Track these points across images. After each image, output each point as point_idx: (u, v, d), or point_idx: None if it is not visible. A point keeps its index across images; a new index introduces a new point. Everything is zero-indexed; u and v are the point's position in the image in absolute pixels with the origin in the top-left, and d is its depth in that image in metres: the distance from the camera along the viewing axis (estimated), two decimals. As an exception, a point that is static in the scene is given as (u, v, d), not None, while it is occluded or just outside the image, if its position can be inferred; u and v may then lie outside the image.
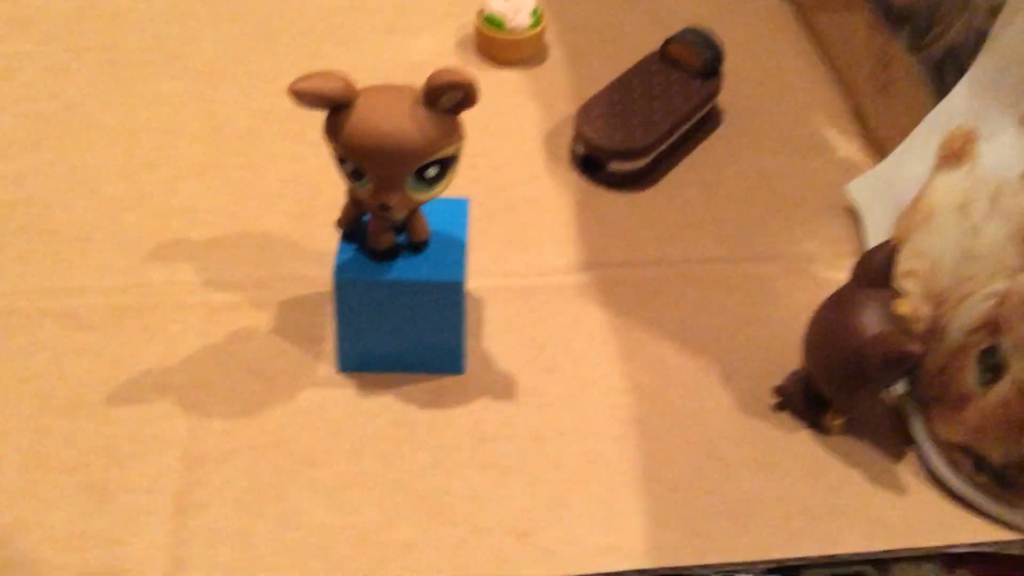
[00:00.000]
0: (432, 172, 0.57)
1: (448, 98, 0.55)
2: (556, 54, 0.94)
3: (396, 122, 0.54)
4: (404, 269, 0.62)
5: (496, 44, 0.92)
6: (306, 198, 0.78)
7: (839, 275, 0.74)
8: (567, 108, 0.87)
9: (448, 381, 0.66)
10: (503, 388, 0.66)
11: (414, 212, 0.62)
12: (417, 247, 0.63)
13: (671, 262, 0.76)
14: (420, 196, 0.58)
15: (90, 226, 0.75)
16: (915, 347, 0.57)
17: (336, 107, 0.55)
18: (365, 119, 0.55)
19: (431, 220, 0.64)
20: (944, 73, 0.78)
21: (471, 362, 0.68)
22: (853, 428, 0.65)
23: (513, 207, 0.80)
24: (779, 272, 0.76)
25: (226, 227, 0.76)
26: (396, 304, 0.63)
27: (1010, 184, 0.67)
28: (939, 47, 0.79)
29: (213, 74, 0.89)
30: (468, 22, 0.95)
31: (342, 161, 0.57)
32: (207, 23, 0.94)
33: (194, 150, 0.82)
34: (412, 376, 0.66)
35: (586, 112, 0.83)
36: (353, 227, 0.63)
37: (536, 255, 0.76)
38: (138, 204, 0.77)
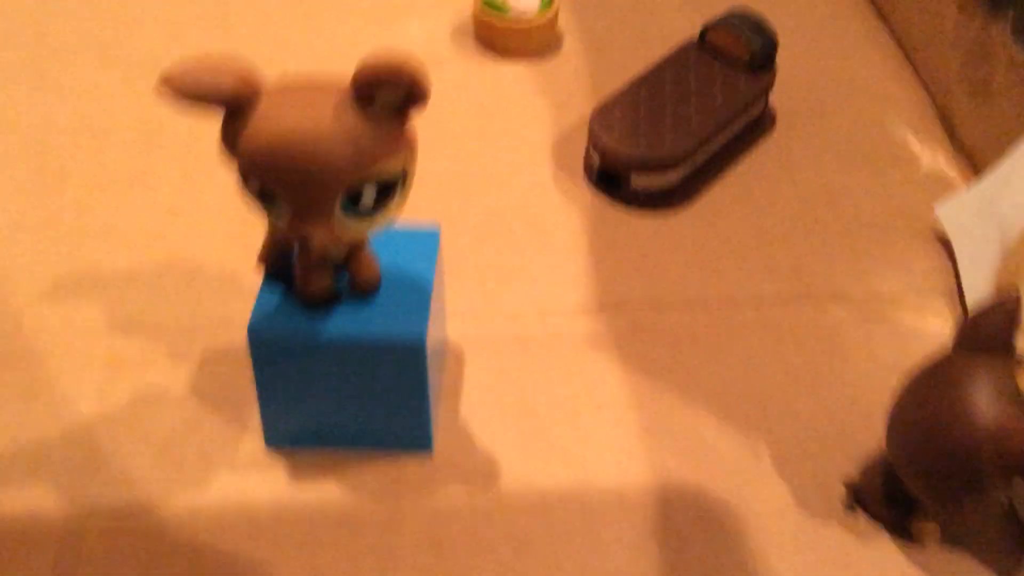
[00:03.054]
0: (368, 196, 0.41)
1: (385, 95, 0.39)
2: (571, 43, 0.78)
3: (313, 126, 0.39)
4: (345, 322, 0.47)
5: (498, 32, 0.76)
6: (249, 219, 0.63)
7: (927, 322, 0.59)
8: (583, 109, 0.71)
9: (412, 462, 0.51)
10: (484, 473, 0.50)
11: (357, 248, 0.46)
12: (363, 293, 0.47)
13: (709, 303, 0.60)
14: (354, 228, 0.42)
15: (-20, 250, 0.61)
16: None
17: (234, 107, 0.40)
18: (272, 122, 0.39)
19: (389, 253, 0.49)
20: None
21: (443, 437, 0.52)
22: (952, 535, 0.48)
23: (512, 232, 0.64)
24: (849, 318, 0.59)
25: (149, 253, 0.61)
26: (334, 366, 0.47)
27: None
28: (1058, 31, 0.62)
29: (156, 66, 0.74)
30: (467, 4, 0.79)
31: (245, 180, 0.41)
32: (157, 3, 0.80)
33: (122, 157, 0.67)
34: (365, 456, 0.51)
35: (604, 114, 0.67)
36: (279, 265, 0.48)
37: (538, 293, 0.60)
38: (43, 222, 0.62)
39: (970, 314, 0.45)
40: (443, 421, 0.52)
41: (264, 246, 0.47)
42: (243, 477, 0.50)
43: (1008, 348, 0.44)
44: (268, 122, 0.39)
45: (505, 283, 0.60)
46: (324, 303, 0.46)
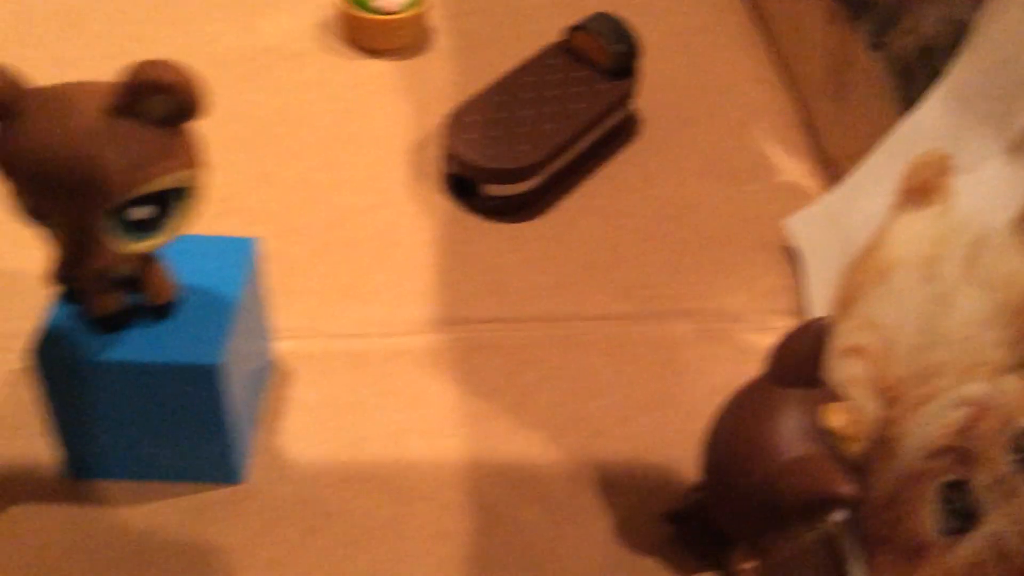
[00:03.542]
0: (142, 212, 0.39)
1: (154, 105, 0.38)
2: (441, 41, 0.76)
3: (73, 136, 0.37)
4: (136, 342, 0.44)
5: (363, 27, 0.74)
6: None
7: (769, 341, 0.58)
8: (446, 111, 0.69)
9: (218, 494, 0.49)
10: (301, 507, 0.48)
11: (148, 264, 0.44)
12: (158, 310, 0.45)
13: (555, 319, 0.58)
14: (132, 246, 0.40)
15: None
16: (846, 488, 0.39)
17: None
18: (33, 133, 0.37)
19: (196, 266, 0.47)
20: (914, 79, 0.60)
21: (259, 466, 0.50)
22: (769, 571, 0.47)
23: (357, 242, 0.62)
24: (691, 336, 0.58)
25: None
26: (128, 390, 0.45)
27: (994, 237, 0.49)
28: (908, 44, 0.61)
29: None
30: None
31: (17, 196, 0.39)
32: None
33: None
34: (170, 487, 0.49)
35: (458, 120, 0.65)
36: (73, 282, 0.45)
37: (378, 308, 0.58)
38: None
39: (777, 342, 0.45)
40: (262, 448, 0.50)
41: (54, 261, 0.45)
42: (37, 509, 0.47)
43: (813, 380, 0.44)
44: (31, 134, 0.37)
45: (344, 297, 0.58)
46: (115, 324, 0.44)
